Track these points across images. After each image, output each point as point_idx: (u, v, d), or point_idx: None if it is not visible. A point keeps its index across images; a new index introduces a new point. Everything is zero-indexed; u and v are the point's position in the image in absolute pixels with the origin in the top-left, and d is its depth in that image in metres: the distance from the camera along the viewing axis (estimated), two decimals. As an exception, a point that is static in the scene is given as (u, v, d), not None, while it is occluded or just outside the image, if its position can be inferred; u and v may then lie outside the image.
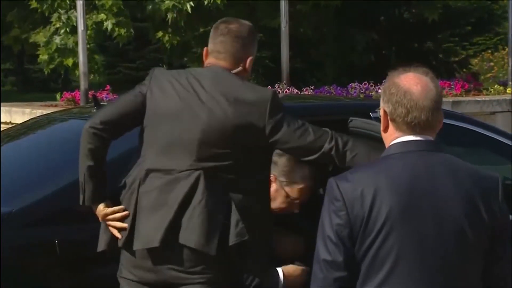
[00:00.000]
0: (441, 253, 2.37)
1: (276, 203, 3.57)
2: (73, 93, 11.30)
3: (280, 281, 3.46)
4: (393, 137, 2.46)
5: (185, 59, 13.69)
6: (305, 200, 3.65)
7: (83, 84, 10.30)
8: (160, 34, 13.46)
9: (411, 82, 2.44)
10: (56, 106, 10.68)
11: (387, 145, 2.50)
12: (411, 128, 2.43)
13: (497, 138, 4.06)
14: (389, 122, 2.46)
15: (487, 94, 12.55)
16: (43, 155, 4.02)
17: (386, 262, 2.35)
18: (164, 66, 15.35)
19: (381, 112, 2.49)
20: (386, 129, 2.48)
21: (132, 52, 19.43)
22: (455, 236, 2.38)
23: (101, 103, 4.19)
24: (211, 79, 3.22)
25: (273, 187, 3.57)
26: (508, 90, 12.62)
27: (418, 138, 2.43)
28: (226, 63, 3.27)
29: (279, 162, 3.61)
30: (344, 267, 2.38)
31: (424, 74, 2.48)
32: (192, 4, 12.62)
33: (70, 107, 9.67)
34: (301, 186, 3.62)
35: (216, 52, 3.29)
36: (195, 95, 3.18)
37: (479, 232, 2.41)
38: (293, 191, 3.61)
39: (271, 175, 3.47)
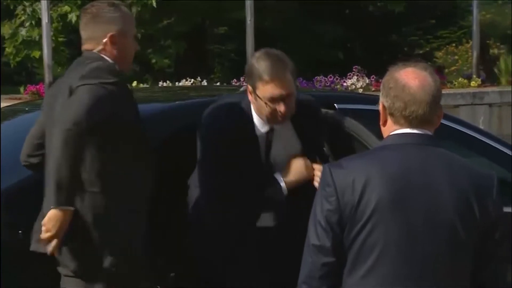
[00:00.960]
0: (430, 247, 2.38)
1: (262, 115, 3.58)
2: (37, 86, 11.22)
3: (283, 187, 3.52)
4: (391, 130, 2.49)
5: (149, 50, 13.65)
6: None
7: (47, 77, 10.23)
8: (125, 27, 13.41)
9: (410, 77, 2.46)
10: (20, 99, 10.61)
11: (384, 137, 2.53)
12: (409, 121, 2.45)
13: (463, 130, 4.12)
14: (388, 116, 2.49)
15: (451, 87, 12.69)
16: (7, 147, 4.00)
17: (373, 252, 2.37)
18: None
19: (380, 106, 2.52)
20: (384, 123, 2.51)
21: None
22: (445, 231, 2.39)
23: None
24: (73, 65, 3.40)
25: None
26: (472, 83, 12.77)
27: (415, 131, 2.46)
28: (89, 46, 3.39)
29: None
30: (332, 253, 2.40)
31: (423, 69, 2.51)
32: (157, -2, 12.60)
33: (35, 99, 9.62)
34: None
35: (82, 39, 3.44)
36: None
37: (470, 229, 2.42)
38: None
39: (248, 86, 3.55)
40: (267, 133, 3.54)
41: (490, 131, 11.10)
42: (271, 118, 3.48)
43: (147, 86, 11.72)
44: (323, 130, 3.72)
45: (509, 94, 12.41)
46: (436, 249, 2.38)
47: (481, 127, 10.35)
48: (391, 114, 2.47)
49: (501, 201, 2.47)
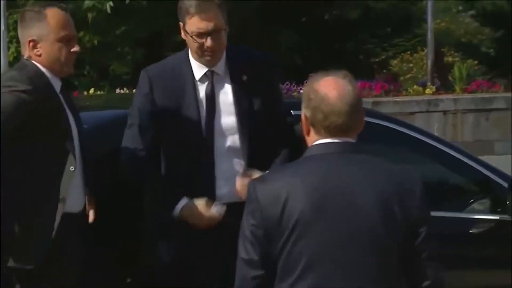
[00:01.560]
0: (354, 253, 2.42)
1: (193, 53, 3.48)
2: (-6, 93, 11.12)
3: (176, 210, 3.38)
4: (314, 140, 2.53)
5: (107, 57, 13.64)
6: None
7: (4, 84, 10.14)
8: (81, 33, 13.38)
9: (329, 87, 2.50)
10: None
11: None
12: (329, 131, 2.49)
13: (418, 137, 4.20)
14: (310, 126, 2.54)
15: (406, 95, 12.86)
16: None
17: (299, 262, 2.42)
18: (87, 66, 15.26)
19: (302, 117, 2.57)
20: (308, 133, 2.56)
21: (54, 52, 19.22)
22: (368, 236, 2.43)
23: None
24: None
25: None
26: (427, 90, 12.97)
27: (335, 140, 2.51)
28: (23, 52, 3.39)
29: None
30: (260, 266, 2.45)
31: (342, 77, 2.53)
32: (112, 4, 12.61)
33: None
34: None
35: None
36: None
37: (394, 232, 2.46)
38: None
39: None
40: (207, 76, 3.41)
41: (445, 137, 11.29)
42: (201, 55, 3.38)
43: (104, 92, 11.71)
44: (277, 95, 3.53)
45: (463, 102, 12.63)
46: (361, 254, 2.43)
47: (436, 133, 10.51)
48: (312, 125, 2.52)
49: (427, 201, 2.52)
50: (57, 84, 3.35)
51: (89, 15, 12.63)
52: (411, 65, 15.13)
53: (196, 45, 3.36)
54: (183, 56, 3.46)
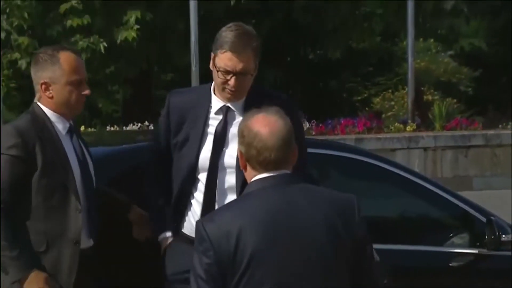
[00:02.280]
0: (309, 278, 2.51)
1: (215, 86, 3.48)
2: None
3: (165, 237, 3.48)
4: (252, 175, 2.61)
5: (97, 95, 13.74)
6: None
7: (-2, 122, 10.27)
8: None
9: (261, 124, 2.58)
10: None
11: (248, 182, 2.63)
12: (264, 166, 2.57)
13: (399, 173, 4.28)
14: (245, 162, 2.60)
15: (388, 132, 13.02)
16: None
17: None
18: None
19: (239, 153, 2.63)
20: (245, 168, 2.63)
21: (46, 90, 19.37)
22: (319, 259, 2.52)
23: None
24: None
25: None
26: (408, 128, 13.14)
27: (271, 174, 2.57)
28: (36, 92, 3.45)
29: None
30: None
31: (274, 113, 2.61)
32: (105, 45, 12.77)
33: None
34: None
35: None
36: None
37: (341, 250, 2.55)
38: None
39: None
40: (222, 110, 3.37)
41: (425, 173, 11.45)
42: (222, 90, 3.32)
43: (95, 130, 11.81)
44: (301, 135, 3.39)
45: (443, 139, 12.80)
46: (315, 280, 2.52)
47: (417, 170, 10.66)
48: (248, 161, 2.60)
49: (364, 220, 2.65)
50: (64, 126, 3.41)
51: (83, 56, 12.75)
52: (392, 103, 15.30)
53: (220, 80, 3.30)
54: (207, 88, 3.43)
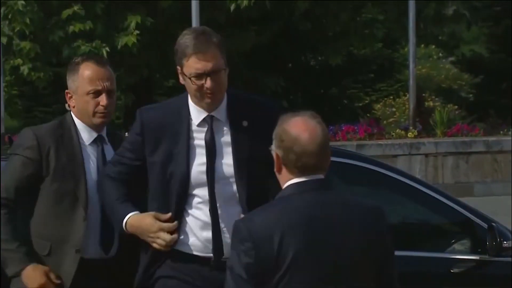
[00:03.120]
0: (339, 282, 2.56)
1: (192, 97, 3.35)
2: (-11, 137, 11.21)
3: (124, 222, 3.28)
4: (287, 179, 2.64)
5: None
6: None
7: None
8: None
9: (300, 129, 2.61)
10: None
11: (282, 185, 2.67)
12: (302, 171, 2.61)
13: (400, 179, 4.30)
14: (282, 165, 2.63)
15: (389, 138, 13.04)
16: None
17: None
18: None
19: (275, 156, 2.65)
20: (280, 171, 2.66)
21: (48, 96, 19.41)
22: (350, 264, 2.57)
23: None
24: None
25: None
26: (409, 134, 13.15)
27: (308, 178, 2.61)
28: None
29: None
30: None
31: (312, 118, 2.64)
32: (108, 50, 12.81)
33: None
34: None
35: None
36: None
37: (371, 257, 2.61)
38: None
39: None
40: (207, 121, 3.19)
41: (426, 179, 11.46)
42: (200, 98, 3.13)
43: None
44: None
45: (444, 145, 12.82)
46: (344, 283, 2.58)
47: (418, 176, 10.67)
48: (285, 165, 2.63)
49: (391, 230, 2.71)
50: (90, 136, 3.43)
51: (86, 60, 12.81)
52: (393, 109, 15.32)
53: (194, 87, 3.12)
54: (183, 100, 3.23)
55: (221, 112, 3.21)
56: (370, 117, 15.16)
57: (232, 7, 13.38)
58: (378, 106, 16.04)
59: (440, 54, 21.19)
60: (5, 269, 3.32)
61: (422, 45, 19.84)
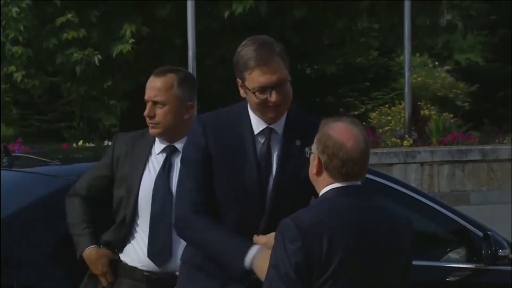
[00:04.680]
0: (377, 285, 2.64)
1: (255, 110, 3.18)
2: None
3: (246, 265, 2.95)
4: (327, 182, 2.68)
5: (95, 110, 13.85)
6: None
7: (-5, 137, 10.29)
8: (68, 84, 13.58)
9: (345, 136, 2.66)
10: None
11: (320, 187, 2.70)
12: (344, 177, 2.66)
13: (396, 188, 4.30)
14: (324, 169, 2.67)
15: (384, 147, 13.05)
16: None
17: None
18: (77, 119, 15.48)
19: (316, 159, 2.68)
20: (319, 174, 2.68)
21: (44, 105, 19.44)
22: (388, 272, 2.66)
23: (12, 154, 4.36)
24: None
25: None
26: (405, 142, 13.16)
27: (350, 184, 2.66)
28: None
29: None
30: None
31: (354, 125, 2.70)
32: (100, 57, 12.83)
33: None
34: None
35: None
36: None
37: (400, 268, 2.70)
38: None
39: None
40: (265, 133, 3.03)
41: (422, 188, 11.46)
42: (263, 112, 2.98)
43: (93, 145, 11.84)
44: None
45: (440, 153, 12.83)
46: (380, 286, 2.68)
47: (413, 184, 10.67)
48: (327, 170, 2.66)
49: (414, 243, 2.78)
50: (159, 146, 3.41)
51: (78, 68, 12.83)
52: (389, 118, 15.37)
53: (258, 101, 2.96)
54: (242, 108, 3.06)
55: (280, 126, 3.05)
56: (365, 125, 15.20)
57: (226, 14, 13.41)
58: (374, 114, 16.09)
59: (436, 63, 21.25)
60: (77, 253, 3.41)
61: (418, 54, 19.87)
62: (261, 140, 3.04)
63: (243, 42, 3.04)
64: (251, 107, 3.03)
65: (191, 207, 2.98)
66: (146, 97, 3.40)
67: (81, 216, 3.44)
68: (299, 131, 3.06)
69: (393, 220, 2.72)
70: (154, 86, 3.39)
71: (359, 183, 2.70)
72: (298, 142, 3.05)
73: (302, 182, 2.98)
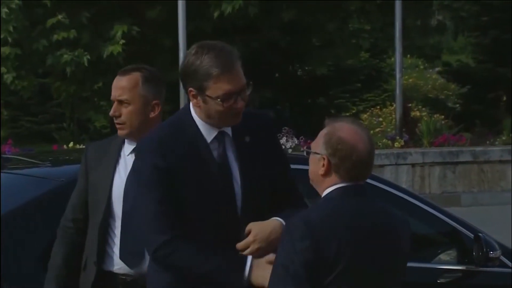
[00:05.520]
0: (379, 285, 2.66)
1: (211, 119, 3.19)
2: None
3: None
4: (333, 182, 2.69)
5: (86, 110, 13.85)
6: None
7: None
8: (57, 84, 13.57)
9: (355, 138, 2.68)
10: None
11: (324, 187, 2.70)
12: (352, 178, 2.68)
13: (387, 189, 4.30)
14: (332, 170, 2.68)
15: (376, 148, 13.08)
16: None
17: None
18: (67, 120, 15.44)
19: (323, 160, 2.68)
20: (327, 175, 2.69)
21: (34, 106, 19.41)
22: (390, 273, 2.69)
23: (2, 156, 4.33)
24: None
25: None
26: (396, 144, 13.18)
27: (356, 183, 2.69)
28: None
29: None
30: None
31: (360, 127, 2.73)
32: (89, 58, 12.82)
33: None
34: None
35: None
36: None
37: (399, 269, 2.73)
38: None
39: None
40: (218, 138, 2.97)
41: (413, 189, 11.48)
42: (225, 119, 2.91)
43: (84, 146, 11.82)
44: (281, 153, 3.11)
45: (431, 155, 12.85)
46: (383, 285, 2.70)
47: (404, 186, 10.68)
48: (337, 171, 2.68)
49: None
50: (128, 147, 3.35)
51: (68, 69, 12.81)
52: (380, 119, 15.37)
53: (222, 109, 2.87)
54: (185, 118, 2.97)
55: (228, 128, 2.99)
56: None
57: (216, 14, 13.43)
58: (365, 116, 16.09)
59: (427, 64, 21.28)
60: None
61: (408, 56, 19.90)
62: (215, 146, 2.97)
63: (193, 50, 2.91)
64: (206, 116, 2.93)
65: (170, 231, 2.86)
66: (112, 96, 3.36)
67: (56, 259, 3.38)
68: (244, 127, 2.99)
69: (393, 220, 2.74)
70: (119, 85, 3.34)
71: (361, 182, 2.72)
72: (247, 139, 3.00)
73: (262, 175, 2.97)
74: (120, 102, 3.31)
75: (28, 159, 4.53)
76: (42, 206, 3.70)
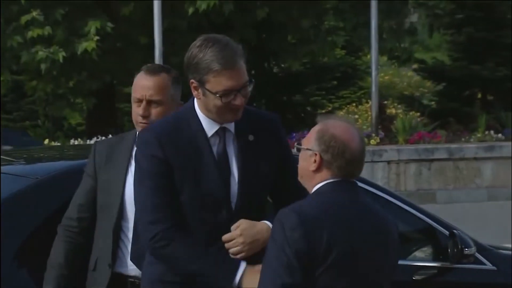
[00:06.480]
0: (371, 281, 2.66)
1: (211, 113, 3.20)
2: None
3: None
4: (324, 178, 2.70)
5: (60, 107, 13.75)
6: None
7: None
8: (34, 83, 13.49)
9: (349, 137, 2.71)
10: None
11: (314, 182, 2.71)
12: (344, 173, 2.71)
13: (362, 186, 4.31)
14: (324, 167, 2.69)
15: (352, 145, 13.12)
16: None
17: None
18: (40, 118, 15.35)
19: (315, 156, 2.69)
20: (318, 171, 2.70)
21: (9, 104, 19.32)
22: (382, 271, 2.70)
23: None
24: None
25: None
26: (371, 141, 13.23)
27: (343, 179, 2.71)
28: None
29: None
30: None
31: (351, 124, 2.76)
32: (64, 54, 12.75)
33: None
34: None
35: None
36: None
37: (389, 267, 2.74)
38: None
39: None
40: (219, 134, 2.97)
41: (388, 186, 11.52)
42: (224, 114, 2.92)
43: (59, 144, 11.75)
44: (288, 153, 3.10)
45: (406, 152, 12.92)
46: (375, 282, 2.70)
47: (380, 183, 10.72)
48: (329, 168, 2.70)
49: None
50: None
51: (42, 66, 12.73)
52: (356, 116, 15.44)
53: (220, 105, 2.88)
54: (189, 112, 2.99)
55: (231, 124, 2.99)
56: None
57: (191, 10, 13.41)
58: (341, 113, 16.15)
59: (397, 65, 21.38)
60: None
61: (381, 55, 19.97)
62: (216, 141, 2.98)
63: (198, 42, 2.93)
64: (206, 109, 2.95)
65: (167, 223, 2.88)
66: (139, 95, 3.27)
67: (57, 258, 3.34)
68: (249, 125, 3.01)
69: (382, 216, 2.76)
70: (149, 85, 3.28)
71: (352, 179, 2.74)
72: (251, 137, 3.00)
73: (262, 176, 2.98)
74: (149, 102, 3.26)
75: (2, 157, 4.49)
76: (16, 204, 3.67)
